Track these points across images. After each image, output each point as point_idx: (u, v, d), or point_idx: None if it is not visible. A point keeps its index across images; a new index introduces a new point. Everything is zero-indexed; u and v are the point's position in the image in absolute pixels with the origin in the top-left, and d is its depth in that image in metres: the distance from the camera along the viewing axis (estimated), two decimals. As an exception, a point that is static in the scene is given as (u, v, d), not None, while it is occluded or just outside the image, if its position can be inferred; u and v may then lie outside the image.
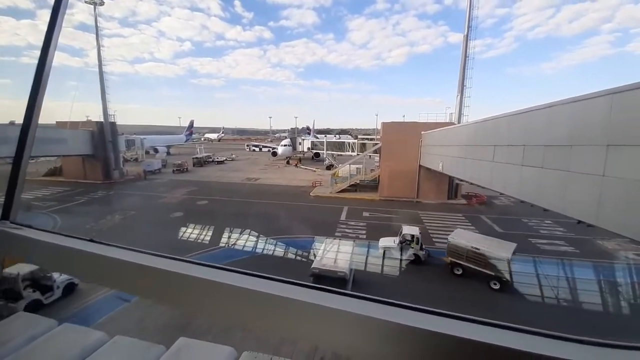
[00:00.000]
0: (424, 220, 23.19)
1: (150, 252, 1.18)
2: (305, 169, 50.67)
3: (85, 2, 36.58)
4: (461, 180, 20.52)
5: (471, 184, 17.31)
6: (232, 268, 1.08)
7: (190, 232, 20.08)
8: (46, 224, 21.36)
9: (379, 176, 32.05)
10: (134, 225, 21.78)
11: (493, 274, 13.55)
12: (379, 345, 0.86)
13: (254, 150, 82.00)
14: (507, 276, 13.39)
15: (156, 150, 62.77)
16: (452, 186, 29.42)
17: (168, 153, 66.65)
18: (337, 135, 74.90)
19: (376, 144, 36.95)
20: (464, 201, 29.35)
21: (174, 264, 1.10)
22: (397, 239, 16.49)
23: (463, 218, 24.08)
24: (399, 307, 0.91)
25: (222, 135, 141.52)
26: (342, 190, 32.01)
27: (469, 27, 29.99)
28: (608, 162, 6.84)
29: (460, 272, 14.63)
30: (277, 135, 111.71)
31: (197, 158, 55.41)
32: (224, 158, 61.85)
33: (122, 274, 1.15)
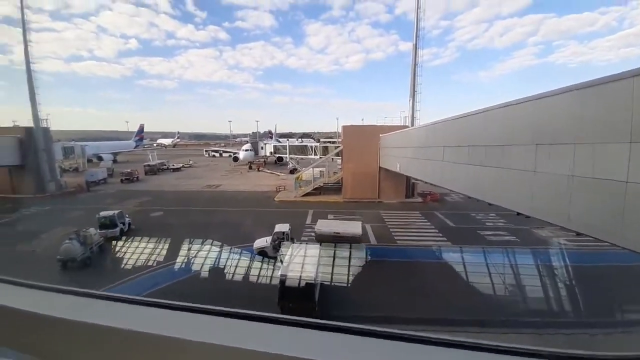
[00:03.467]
0: (385, 219, 24.12)
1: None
2: (269, 173, 49.78)
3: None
4: (416, 180, 21.80)
5: (425, 182, 18.45)
6: (166, 302, 0.73)
7: (143, 248, 18.38)
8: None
9: (342, 178, 32.73)
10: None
11: None
12: None
13: (214, 155, 78.84)
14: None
15: (100, 158, 57.60)
16: (409, 185, 31.11)
17: (115, 161, 61.32)
18: (300, 139, 74.93)
19: (338, 146, 37.67)
20: (420, 199, 31.18)
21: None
22: (269, 239, 16.98)
23: (420, 215, 25.53)
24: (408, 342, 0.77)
25: (178, 140, 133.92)
26: (307, 194, 32.04)
27: (417, 36, 32.22)
28: (538, 159, 7.77)
29: None
30: (238, 139, 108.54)
31: (149, 165, 51.57)
32: (181, 165, 58.39)
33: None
